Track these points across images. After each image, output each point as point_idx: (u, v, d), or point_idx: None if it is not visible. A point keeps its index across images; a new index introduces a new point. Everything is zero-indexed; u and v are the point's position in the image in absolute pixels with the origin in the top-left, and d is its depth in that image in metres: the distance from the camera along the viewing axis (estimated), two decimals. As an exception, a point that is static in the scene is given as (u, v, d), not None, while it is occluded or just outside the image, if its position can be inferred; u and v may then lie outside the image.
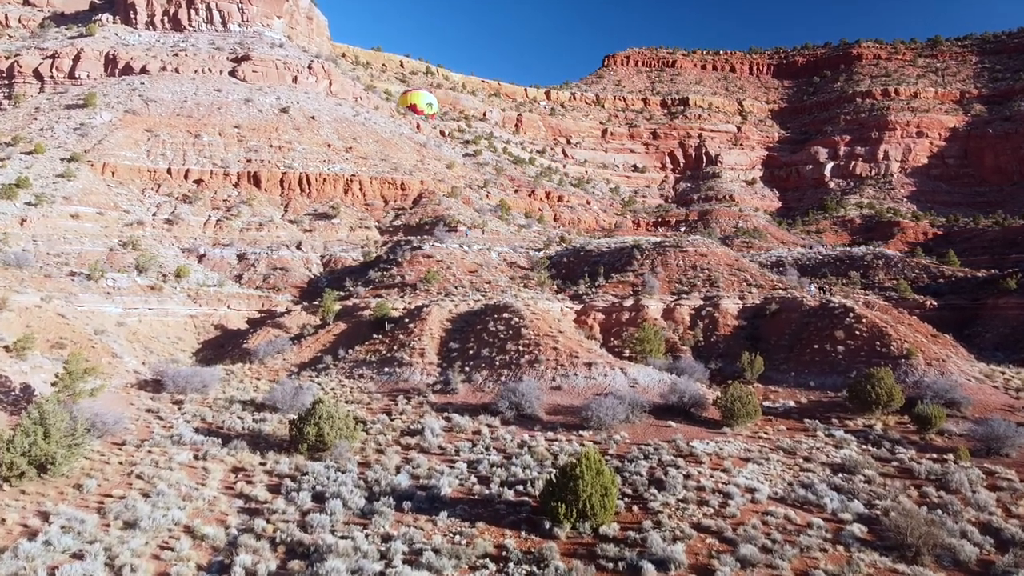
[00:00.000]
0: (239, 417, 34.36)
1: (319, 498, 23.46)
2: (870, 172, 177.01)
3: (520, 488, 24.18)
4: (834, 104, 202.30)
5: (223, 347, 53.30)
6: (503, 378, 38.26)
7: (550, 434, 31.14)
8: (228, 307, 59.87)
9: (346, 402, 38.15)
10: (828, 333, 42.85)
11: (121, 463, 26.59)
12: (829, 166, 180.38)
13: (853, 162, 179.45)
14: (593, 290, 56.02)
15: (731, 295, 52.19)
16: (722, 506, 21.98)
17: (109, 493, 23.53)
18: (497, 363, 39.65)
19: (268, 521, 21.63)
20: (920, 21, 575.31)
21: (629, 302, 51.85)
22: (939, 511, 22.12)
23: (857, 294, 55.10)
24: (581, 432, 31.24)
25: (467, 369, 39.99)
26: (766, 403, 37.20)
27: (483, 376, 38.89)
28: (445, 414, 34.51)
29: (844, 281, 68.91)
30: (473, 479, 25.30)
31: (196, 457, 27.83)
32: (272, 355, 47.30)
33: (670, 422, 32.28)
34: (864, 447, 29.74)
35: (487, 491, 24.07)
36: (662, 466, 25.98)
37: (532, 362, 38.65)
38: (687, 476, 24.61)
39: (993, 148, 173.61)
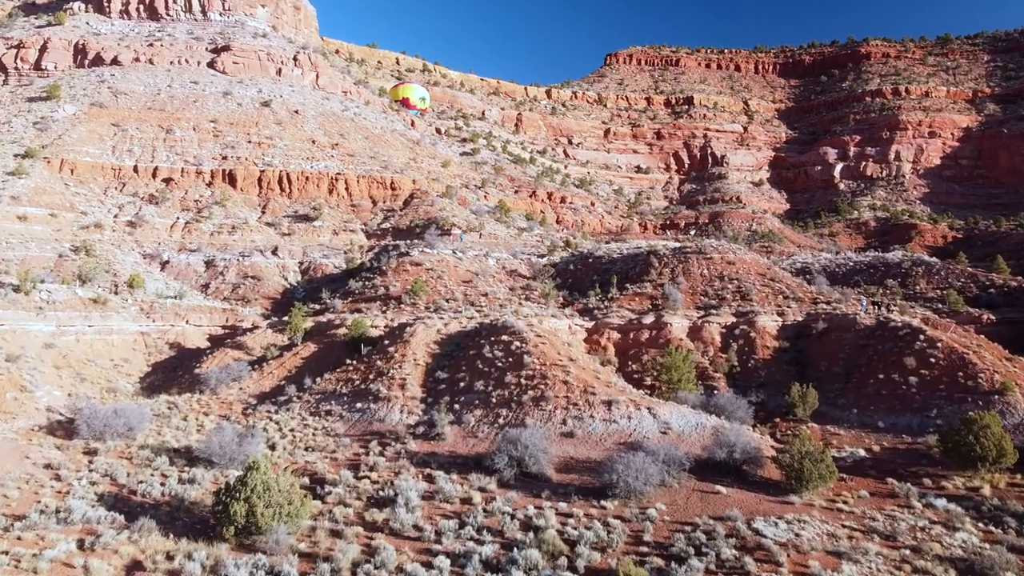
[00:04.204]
0: (163, 475, 26.88)
1: (231, 631, 16.02)
2: (881, 173, 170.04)
3: (525, 610, 16.76)
4: (843, 103, 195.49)
5: (176, 371, 45.74)
6: (501, 419, 30.79)
7: (562, 505, 23.66)
8: (187, 322, 52.29)
9: (306, 449, 30.70)
10: (895, 360, 35.41)
11: (-32, 561, 19.12)
12: (839, 167, 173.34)
13: (863, 163, 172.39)
14: (606, 304, 48.50)
15: (767, 310, 44.75)
16: (833, 658, 14.54)
17: (-79, 625, 16.09)
18: (494, 400, 32.15)
19: None
20: (928, 19, 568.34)
21: (649, 319, 44.35)
22: None
23: (914, 309, 47.67)
24: (603, 502, 23.75)
25: (457, 407, 32.51)
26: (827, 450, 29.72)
27: (476, 417, 31.40)
28: (427, 471, 27.04)
29: (883, 291, 61.59)
30: (458, 591, 17.85)
31: (81, 546, 20.32)
32: (227, 383, 39.76)
33: (718, 487, 24.78)
34: (982, 526, 22.29)
35: (477, 616, 16.64)
36: (724, 569, 18.51)
37: (537, 399, 31.17)
38: (765, 592, 17.16)
39: (1008, 148, 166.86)
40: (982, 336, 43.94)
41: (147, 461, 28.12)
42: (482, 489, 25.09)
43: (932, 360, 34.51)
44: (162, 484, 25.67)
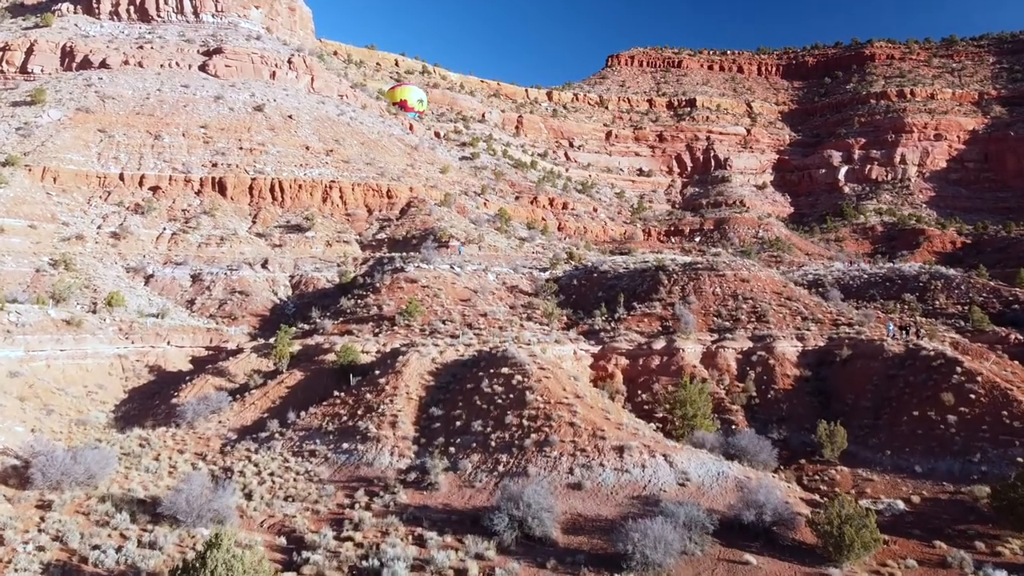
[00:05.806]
0: (122, 536, 23.94)
1: None
2: (886, 176, 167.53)
3: None
4: (847, 105, 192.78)
5: (154, 398, 42.88)
6: (501, 466, 27.89)
7: (571, 580, 20.78)
8: (168, 343, 49.39)
9: (286, 498, 27.81)
10: (930, 395, 32.52)
11: None
12: (843, 170, 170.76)
13: (868, 166, 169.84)
14: (612, 325, 45.60)
15: (786, 334, 41.87)
16: None
17: None
18: (493, 443, 29.25)
19: None
20: (932, 20, 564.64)
21: (660, 344, 41.46)
22: None
23: (940, 331, 44.77)
24: (617, 576, 20.89)
25: (452, 450, 29.62)
26: (862, 500, 26.90)
27: (474, 463, 28.49)
28: (418, 530, 24.15)
29: (901, 307, 58.71)
30: None
31: (12, 642, 17.49)
32: (205, 416, 36.85)
33: (747, 555, 21.89)
34: (1054, 609, 19.42)
35: None
36: None
37: (541, 444, 28.26)
38: None
39: (1015, 151, 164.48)
40: (1016, 363, 41.08)
41: (106, 518, 25.17)
42: (479, 556, 22.19)
43: (972, 396, 31.59)
44: (118, 550, 22.69)
